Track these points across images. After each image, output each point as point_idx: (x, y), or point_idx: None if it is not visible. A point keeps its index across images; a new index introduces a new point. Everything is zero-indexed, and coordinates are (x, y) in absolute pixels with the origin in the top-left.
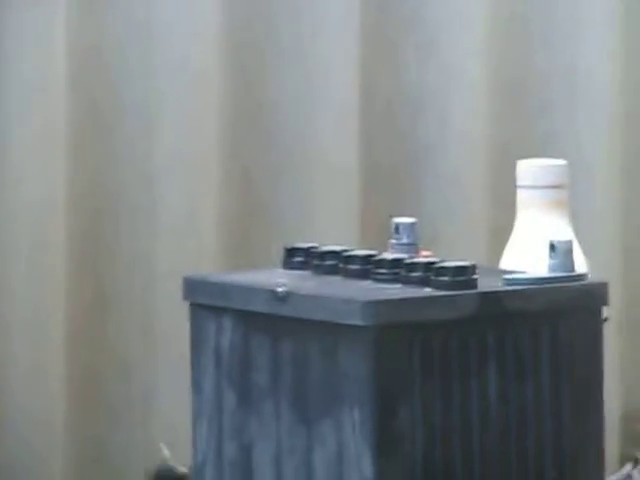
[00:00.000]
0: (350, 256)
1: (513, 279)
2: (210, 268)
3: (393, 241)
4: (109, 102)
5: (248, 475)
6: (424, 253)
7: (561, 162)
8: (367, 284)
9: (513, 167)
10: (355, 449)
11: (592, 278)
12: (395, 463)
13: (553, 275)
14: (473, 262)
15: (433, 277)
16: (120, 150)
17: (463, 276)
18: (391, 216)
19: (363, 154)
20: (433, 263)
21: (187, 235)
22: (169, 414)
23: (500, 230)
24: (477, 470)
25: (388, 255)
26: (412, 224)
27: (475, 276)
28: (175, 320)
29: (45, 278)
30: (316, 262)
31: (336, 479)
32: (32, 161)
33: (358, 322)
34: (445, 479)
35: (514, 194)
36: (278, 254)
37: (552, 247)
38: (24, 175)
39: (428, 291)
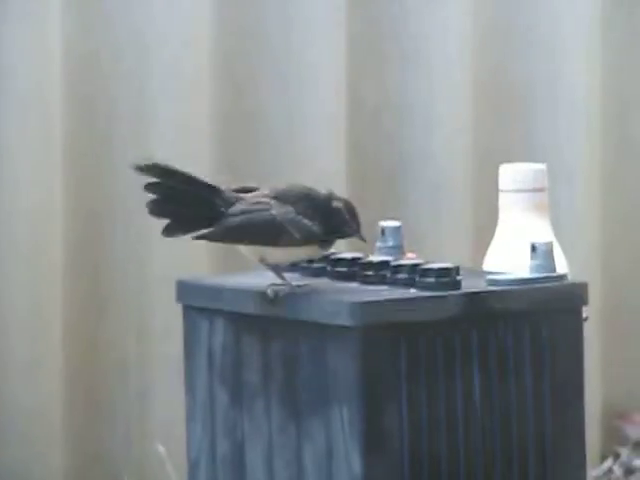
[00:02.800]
0: (337, 259)
1: (496, 280)
2: (203, 271)
3: (379, 244)
4: (104, 108)
5: (241, 471)
6: (409, 255)
7: (541, 166)
8: (354, 286)
9: (496, 172)
10: (344, 446)
11: (572, 278)
12: (383, 459)
13: (534, 276)
14: (457, 264)
15: (418, 279)
16: (114, 156)
17: (447, 277)
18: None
19: (350, 160)
20: (418, 265)
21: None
22: (164, 413)
23: (483, 232)
24: (462, 465)
25: (374, 258)
26: (397, 227)
27: (459, 277)
28: (169, 321)
29: (43, 279)
30: (304, 264)
31: (326, 475)
32: (29, 167)
33: (346, 323)
34: (431, 474)
35: (497, 197)
36: None
37: (533, 248)
38: (21, 180)
39: (413, 292)
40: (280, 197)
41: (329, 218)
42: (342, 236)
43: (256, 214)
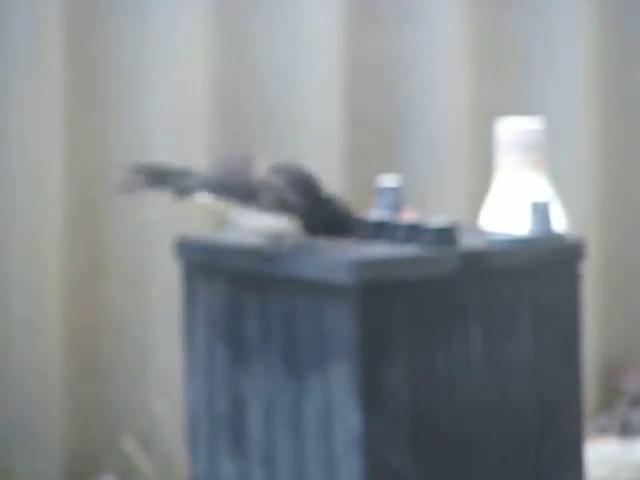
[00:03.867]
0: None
1: (494, 238)
2: (204, 228)
3: (378, 202)
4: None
5: (240, 427)
6: (408, 212)
7: (538, 122)
8: (353, 244)
9: (493, 127)
10: (343, 403)
11: (570, 235)
12: (382, 416)
13: (532, 234)
14: (455, 220)
15: (417, 236)
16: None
17: (446, 235)
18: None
19: (349, 118)
20: (417, 222)
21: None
22: (163, 368)
23: (481, 188)
24: (461, 422)
25: (373, 215)
26: (396, 187)
27: (458, 235)
28: (169, 277)
29: (43, 239)
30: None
31: (325, 432)
32: (28, 126)
33: (344, 280)
34: (430, 431)
35: (494, 153)
36: None
37: (531, 206)
38: (21, 140)
39: (412, 250)
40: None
41: (320, 207)
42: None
43: (236, 174)
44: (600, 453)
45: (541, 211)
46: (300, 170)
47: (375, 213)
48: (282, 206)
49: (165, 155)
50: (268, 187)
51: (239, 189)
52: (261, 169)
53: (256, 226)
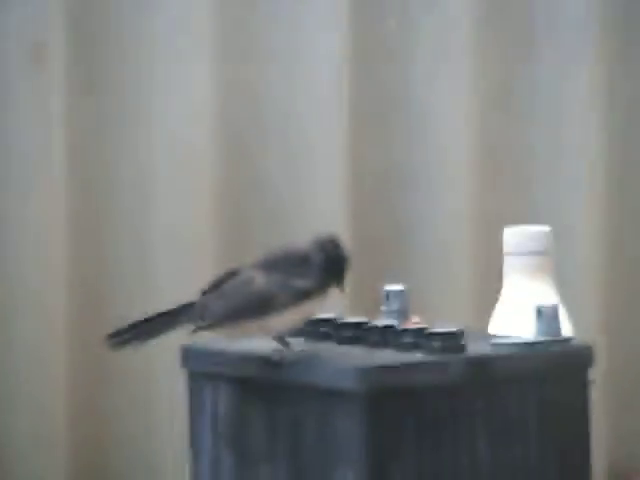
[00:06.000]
0: (342, 323)
1: (500, 344)
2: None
3: (384, 308)
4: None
5: None
6: (414, 319)
7: (545, 228)
8: (360, 350)
9: (499, 235)
10: None
11: (578, 341)
12: None
13: (539, 339)
14: (461, 327)
15: (424, 343)
16: (117, 224)
17: (452, 341)
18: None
19: (354, 227)
20: (423, 329)
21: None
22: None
23: (487, 296)
24: None
25: (379, 322)
26: (402, 291)
27: (464, 341)
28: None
29: (47, 267)
30: (309, 329)
31: None
32: (34, 145)
33: (351, 387)
34: None
35: (501, 261)
36: None
37: (538, 312)
38: (27, 150)
39: (419, 356)
40: (263, 267)
41: (317, 264)
42: (334, 277)
43: (237, 294)
44: None
45: (549, 314)
46: (289, 250)
47: (381, 319)
48: (298, 296)
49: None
50: (278, 288)
51: (249, 308)
52: (260, 279)
53: (286, 324)
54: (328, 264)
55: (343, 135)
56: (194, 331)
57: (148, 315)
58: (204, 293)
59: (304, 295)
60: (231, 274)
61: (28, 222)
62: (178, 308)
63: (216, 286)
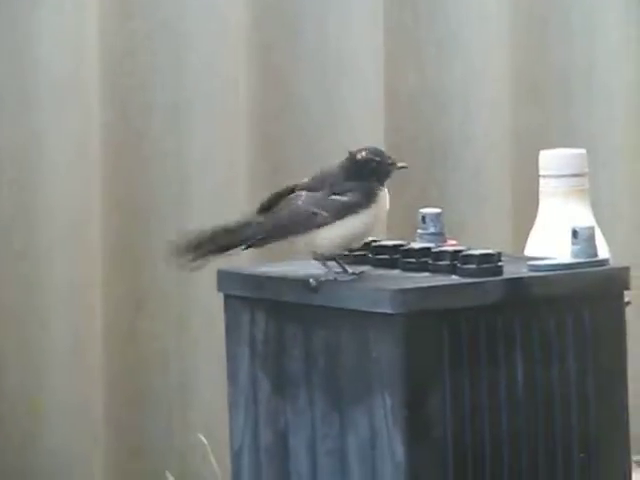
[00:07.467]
0: (379, 246)
1: (537, 265)
2: (243, 261)
3: (420, 231)
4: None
5: (284, 460)
6: (450, 242)
7: (581, 150)
8: (396, 273)
9: (535, 156)
10: (387, 434)
11: (614, 263)
12: (426, 447)
13: (576, 261)
14: (498, 249)
15: (460, 265)
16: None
17: (489, 263)
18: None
19: (389, 148)
20: (459, 251)
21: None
22: (207, 403)
23: (523, 217)
24: (506, 453)
25: (416, 245)
26: (438, 214)
27: (500, 263)
28: (211, 311)
29: (81, 270)
30: (346, 253)
31: (369, 464)
32: (66, 160)
33: (388, 310)
34: (475, 462)
35: (537, 182)
36: None
37: (574, 233)
38: (60, 169)
39: (455, 279)
40: (308, 186)
41: (360, 176)
42: (381, 182)
43: (283, 212)
44: None
45: (585, 236)
46: (331, 168)
47: (418, 242)
48: (341, 212)
49: (203, 190)
50: (318, 206)
51: (294, 223)
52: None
53: (336, 241)
54: (371, 175)
55: (377, 57)
56: (245, 248)
57: (209, 232)
58: (258, 212)
59: (347, 210)
60: (282, 194)
61: (63, 140)
62: (237, 225)
63: (268, 206)
